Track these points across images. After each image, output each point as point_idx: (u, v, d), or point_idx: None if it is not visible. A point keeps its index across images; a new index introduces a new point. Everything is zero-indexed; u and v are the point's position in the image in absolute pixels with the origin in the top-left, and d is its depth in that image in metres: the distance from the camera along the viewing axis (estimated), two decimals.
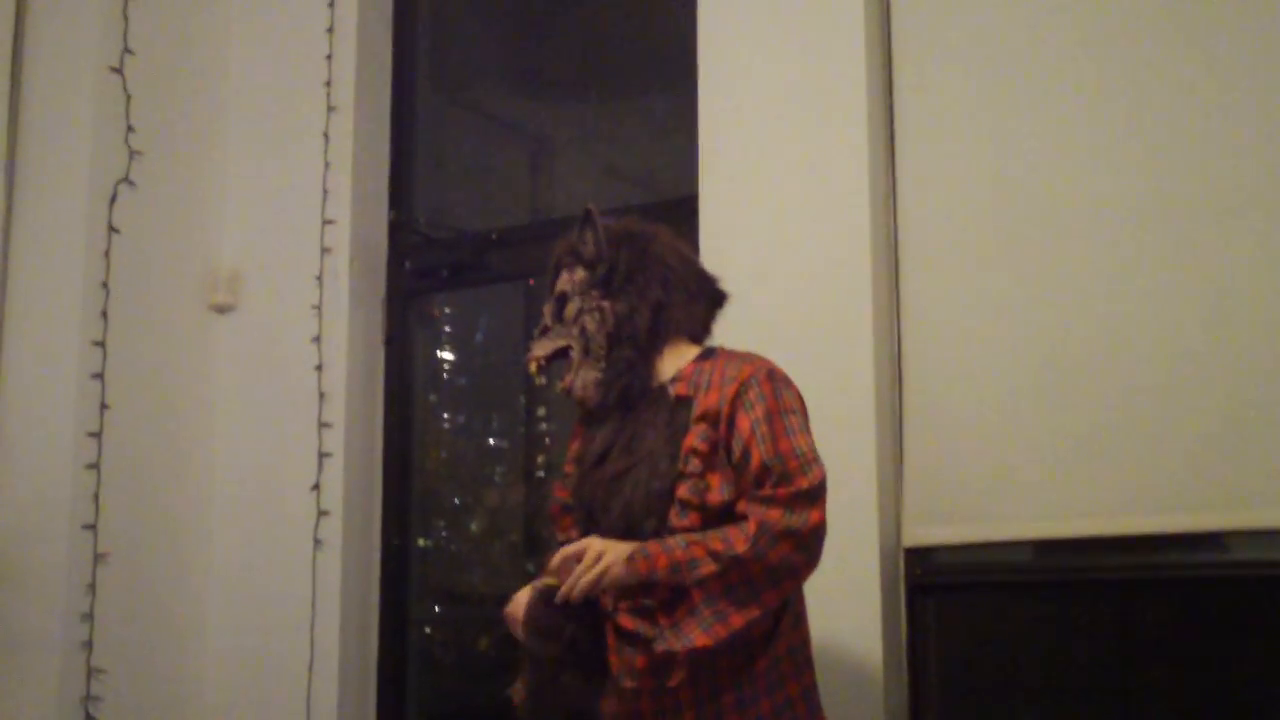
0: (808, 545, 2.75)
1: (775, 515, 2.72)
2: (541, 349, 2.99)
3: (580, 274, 2.98)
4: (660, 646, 2.73)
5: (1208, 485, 3.50)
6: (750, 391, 2.82)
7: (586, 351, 2.94)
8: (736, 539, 2.71)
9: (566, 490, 3.05)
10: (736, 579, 2.71)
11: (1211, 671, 3.52)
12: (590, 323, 2.94)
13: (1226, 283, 3.53)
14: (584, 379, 2.95)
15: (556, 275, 3.04)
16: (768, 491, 2.75)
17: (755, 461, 2.77)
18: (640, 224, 3.05)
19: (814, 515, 2.75)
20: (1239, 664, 3.49)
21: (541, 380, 3.07)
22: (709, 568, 2.70)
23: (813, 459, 2.79)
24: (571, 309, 2.97)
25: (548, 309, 3.04)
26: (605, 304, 2.95)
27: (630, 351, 2.93)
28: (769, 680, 2.81)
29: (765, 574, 2.72)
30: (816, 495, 2.76)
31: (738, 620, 2.71)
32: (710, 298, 3.06)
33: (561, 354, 2.99)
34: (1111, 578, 3.64)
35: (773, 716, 2.80)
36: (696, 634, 2.70)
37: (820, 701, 2.92)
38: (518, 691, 2.91)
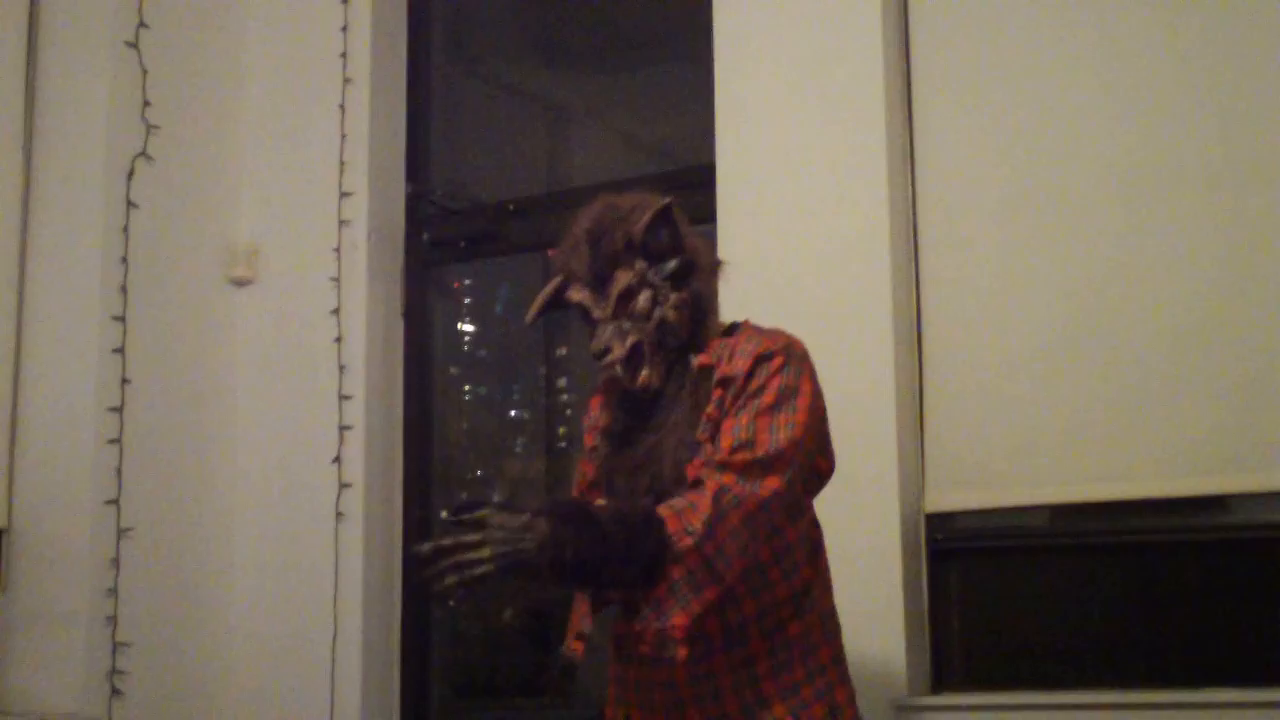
0: (754, 517, 2.70)
1: (728, 480, 2.68)
2: (620, 348, 2.87)
3: (640, 264, 2.93)
4: (645, 625, 2.69)
5: (1224, 449, 3.51)
6: (763, 365, 2.80)
7: (660, 344, 2.91)
8: (695, 516, 2.65)
9: (592, 464, 3.04)
10: (711, 551, 2.66)
11: (1231, 633, 3.53)
12: (671, 316, 2.89)
13: (1243, 251, 3.54)
14: (656, 371, 2.91)
15: (613, 265, 2.90)
16: (723, 458, 2.71)
17: (726, 428, 2.75)
18: (681, 211, 3.00)
19: (768, 484, 2.71)
20: (1258, 625, 3.49)
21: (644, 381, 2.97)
22: (686, 541, 2.65)
23: (785, 435, 2.74)
24: (644, 302, 2.91)
25: (603, 304, 2.90)
26: (675, 295, 2.91)
27: (688, 337, 2.92)
28: (802, 647, 2.81)
29: (726, 548, 2.68)
30: (772, 463, 2.72)
31: (711, 594, 2.67)
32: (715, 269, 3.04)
33: (635, 349, 2.93)
34: (1130, 541, 3.66)
35: (805, 682, 2.80)
36: (676, 613, 2.67)
37: (848, 667, 2.92)
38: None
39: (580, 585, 2.80)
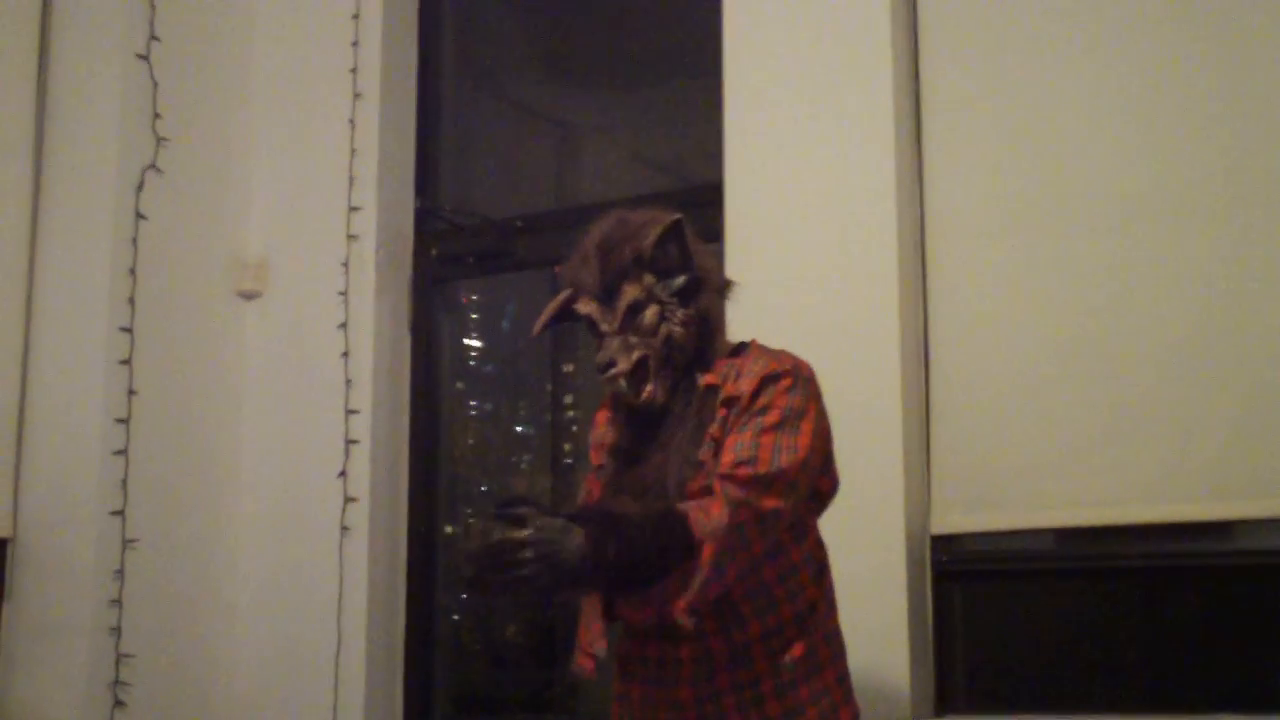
0: (761, 524, 2.72)
1: (732, 490, 2.70)
2: (625, 362, 2.87)
3: (648, 279, 2.93)
4: (645, 608, 2.71)
5: (1232, 473, 3.50)
6: (770, 385, 2.80)
7: (667, 360, 2.90)
8: (711, 517, 2.68)
9: (600, 482, 3.03)
10: (722, 550, 2.67)
11: (1235, 659, 3.52)
12: (678, 332, 2.90)
13: (1250, 276, 3.54)
14: (662, 387, 2.91)
15: (621, 279, 2.91)
16: (725, 471, 2.73)
17: (729, 444, 2.76)
18: (692, 228, 3.00)
19: (768, 501, 2.72)
20: (1262, 651, 3.49)
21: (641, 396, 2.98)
22: (704, 534, 2.66)
23: (788, 458, 2.75)
24: (651, 317, 2.91)
25: (610, 317, 2.91)
26: (682, 312, 2.91)
27: (695, 355, 2.92)
28: (807, 667, 2.81)
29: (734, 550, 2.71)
30: (773, 482, 2.72)
31: (713, 591, 2.68)
32: (724, 288, 3.04)
33: (641, 364, 2.91)
34: (1136, 565, 3.65)
35: (810, 702, 2.80)
36: (676, 598, 2.67)
37: (852, 687, 2.92)
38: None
39: (615, 588, 2.79)
